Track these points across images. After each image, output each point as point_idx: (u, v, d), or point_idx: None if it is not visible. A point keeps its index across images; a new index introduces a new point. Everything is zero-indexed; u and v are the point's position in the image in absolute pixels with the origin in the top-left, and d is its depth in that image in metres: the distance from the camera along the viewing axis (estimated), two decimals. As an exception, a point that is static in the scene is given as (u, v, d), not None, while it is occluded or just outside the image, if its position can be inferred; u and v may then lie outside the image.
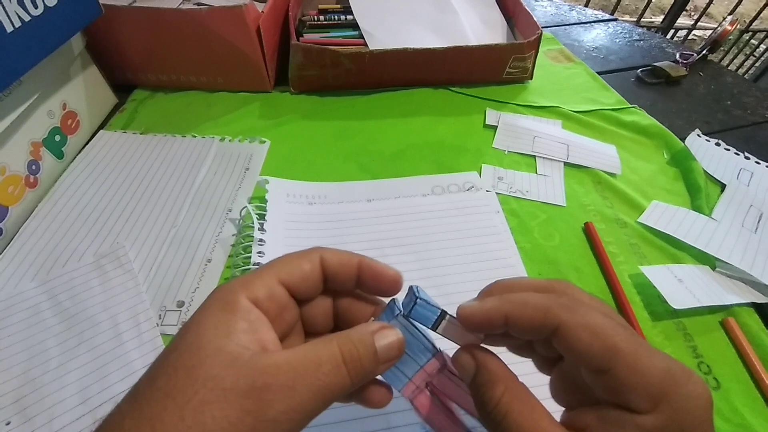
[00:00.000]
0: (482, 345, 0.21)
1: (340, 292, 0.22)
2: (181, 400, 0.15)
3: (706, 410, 0.16)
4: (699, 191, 0.47)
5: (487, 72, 0.60)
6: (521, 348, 0.22)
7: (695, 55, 0.69)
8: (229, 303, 0.18)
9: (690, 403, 0.16)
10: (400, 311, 0.20)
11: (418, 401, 0.21)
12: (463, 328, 0.20)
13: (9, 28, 0.35)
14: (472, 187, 0.46)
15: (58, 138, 0.46)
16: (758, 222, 0.44)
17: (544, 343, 0.20)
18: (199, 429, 0.15)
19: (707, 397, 0.16)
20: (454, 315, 0.20)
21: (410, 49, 0.54)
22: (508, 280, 0.21)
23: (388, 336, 0.19)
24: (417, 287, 0.21)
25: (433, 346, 0.21)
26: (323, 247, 0.21)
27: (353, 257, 0.21)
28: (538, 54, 0.60)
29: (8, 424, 0.29)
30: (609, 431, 0.16)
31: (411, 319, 0.20)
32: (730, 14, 0.83)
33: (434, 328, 0.20)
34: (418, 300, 0.20)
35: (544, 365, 0.21)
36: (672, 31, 1.67)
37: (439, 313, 0.20)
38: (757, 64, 1.82)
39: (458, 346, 0.21)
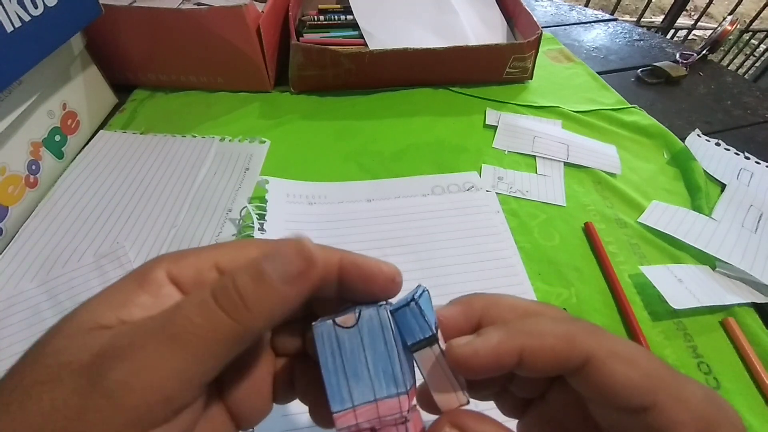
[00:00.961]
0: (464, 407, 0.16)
1: (318, 299, 0.17)
2: (17, 380, 0.12)
3: None
4: (699, 191, 0.47)
5: (487, 72, 0.60)
6: (490, 394, 0.18)
7: (695, 55, 0.69)
8: (142, 274, 0.14)
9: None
10: (388, 303, 0.16)
11: None
12: (456, 370, 0.15)
13: (9, 28, 0.34)
14: (472, 187, 0.46)
15: (58, 138, 0.46)
16: (758, 222, 0.44)
17: (524, 382, 0.17)
18: (21, 419, 0.11)
19: (743, 424, 0.15)
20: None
21: (410, 49, 0.54)
22: (489, 296, 0.17)
23: (286, 245, 0.14)
24: (425, 290, 0.16)
25: (405, 382, 0.15)
26: None
27: (332, 253, 0.16)
28: (538, 54, 0.60)
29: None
30: None
31: (395, 322, 0.16)
32: (730, 14, 0.83)
33: (413, 349, 0.16)
34: (412, 303, 0.15)
35: (514, 408, 0.18)
36: (672, 31, 1.67)
37: (429, 335, 0.15)
38: (757, 64, 1.81)
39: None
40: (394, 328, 0.15)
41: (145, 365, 0.12)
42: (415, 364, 0.16)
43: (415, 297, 0.16)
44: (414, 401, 0.16)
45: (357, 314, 0.15)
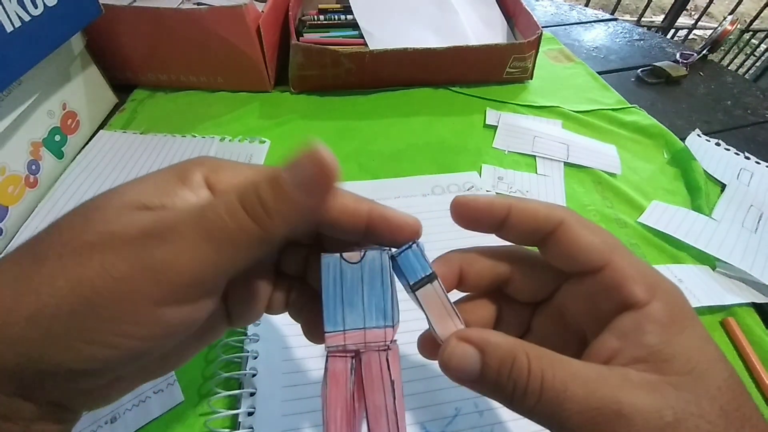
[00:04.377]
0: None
1: (343, 241, 0.19)
2: (67, 238, 0.14)
3: (686, 298, 0.17)
4: (699, 191, 0.47)
5: (487, 72, 0.60)
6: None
7: (695, 54, 0.69)
8: (183, 171, 0.16)
9: (675, 290, 0.17)
10: (389, 250, 0.18)
11: (333, 363, 0.17)
12: (458, 210, 0.19)
13: (9, 28, 0.34)
14: (473, 187, 0.46)
15: (58, 138, 0.46)
16: (758, 222, 0.44)
17: (517, 293, 0.20)
18: (74, 271, 0.13)
19: (678, 289, 0.17)
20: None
21: (410, 49, 0.54)
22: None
23: (303, 156, 0.15)
24: (422, 245, 0.18)
25: (393, 318, 0.17)
26: None
27: (361, 203, 0.17)
28: (538, 54, 0.60)
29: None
30: (633, 339, 0.16)
31: (395, 265, 0.18)
32: (730, 14, 0.83)
33: (414, 288, 0.17)
34: (414, 246, 0.17)
35: None
36: (672, 30, 1.68)
37: (429, 273, 0.17)
38: (757, 64, 1.81)
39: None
40: (392, 271, 0.18)
41: (184, 250, 0.14)
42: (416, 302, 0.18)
43: (417, 242, 0.18)
44: (395, 336, 0.18)
45: (362, 253, 0.17)
